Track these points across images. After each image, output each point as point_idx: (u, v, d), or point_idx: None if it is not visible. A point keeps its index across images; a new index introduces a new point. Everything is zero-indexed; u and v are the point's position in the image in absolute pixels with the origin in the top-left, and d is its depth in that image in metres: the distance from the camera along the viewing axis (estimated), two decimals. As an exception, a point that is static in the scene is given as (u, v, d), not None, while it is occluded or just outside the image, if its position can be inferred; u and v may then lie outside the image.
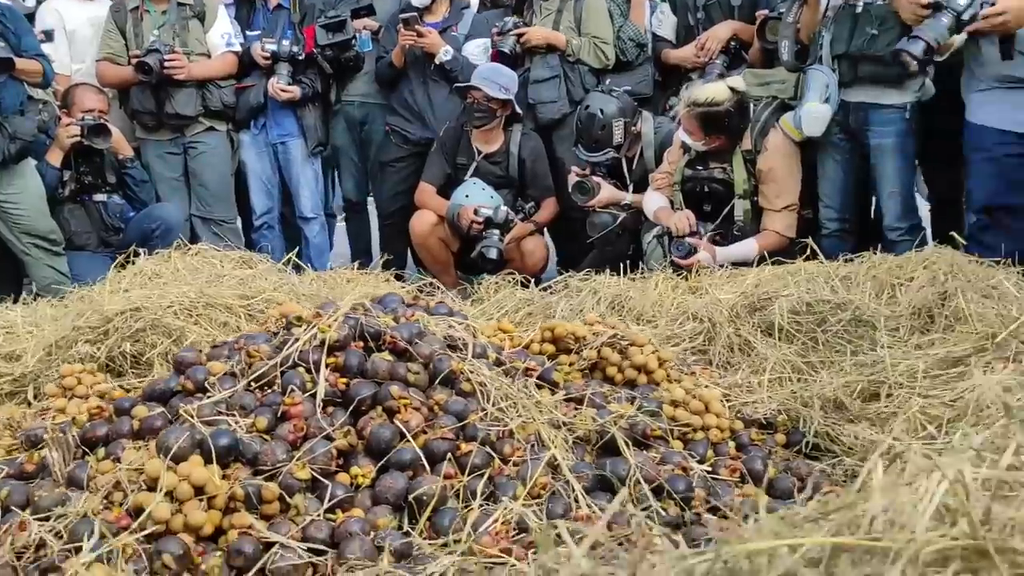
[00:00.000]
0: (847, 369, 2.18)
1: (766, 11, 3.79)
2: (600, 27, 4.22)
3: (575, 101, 4.16)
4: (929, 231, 3.59)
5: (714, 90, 3.44)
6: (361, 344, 1.75)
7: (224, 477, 1.47)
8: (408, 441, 1.58)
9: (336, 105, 4.57)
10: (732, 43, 4.01)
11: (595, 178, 3.90)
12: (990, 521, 0.74)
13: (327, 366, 1.69)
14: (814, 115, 3.33)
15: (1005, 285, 2.35)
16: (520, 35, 4.20)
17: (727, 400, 2.09)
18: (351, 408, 1.63)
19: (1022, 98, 2.93)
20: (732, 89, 3.45)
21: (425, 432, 1.62)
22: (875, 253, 2.73)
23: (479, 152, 4.19)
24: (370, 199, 4.94)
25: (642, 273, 3.14)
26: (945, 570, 0.69)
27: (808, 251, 2.87)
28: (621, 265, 3.17)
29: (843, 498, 0.76)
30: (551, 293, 2.94)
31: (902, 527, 0.71)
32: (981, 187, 3.10)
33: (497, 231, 3.99)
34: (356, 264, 3.31)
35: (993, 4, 2.78)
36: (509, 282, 3.08)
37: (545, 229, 4.36)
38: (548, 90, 4.22)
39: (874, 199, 3.61)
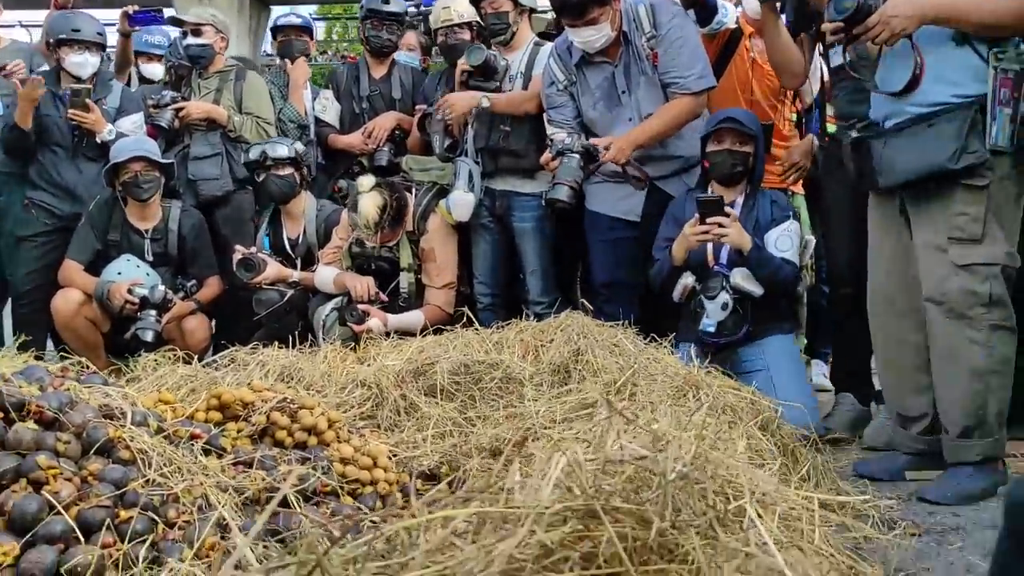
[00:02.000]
0: (500, 420, 2.41)
1: (424, 106, 4.11)
2: (261, 107, 4.29)
3: (238, 179, 4.16)
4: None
5: (368, 212, 3.56)
6: (0, 415, 1.61)
7: None
8: (59, 513, 1.47)
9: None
10: (397, 132, 4.28)
11: (260, 255, 3.89)
12: (598, 489, 0.91)
13: (-42, 440, 1.52)
14: (460, 202, 3.65)
15: (624, 343, 2.76)
16: (179, 109, 4.13)
17: (393, 456, 2.20)
18: (-11, 483, 1.49)
19: (625, 191, 3.45)
20: (379, 185, 3.62)
21: (78, 503, 1.52)
22: (521, 320, 3.05)
23: (134, 227, 3.99)
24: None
25: (311, 347, 3.18)
26: (565, 526, 0.85)
27: (465, 319, 3.12)
28: (290, 338, 3.18)
29: (484, 481, 0.89)
30: (216, 368, 2.87)
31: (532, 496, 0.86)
32: (599, 266, 3.56)
33: (154, 311, 3.78)
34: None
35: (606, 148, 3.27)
36: (169, 359, 2.94)
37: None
38: (210, 167, 4.17)
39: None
